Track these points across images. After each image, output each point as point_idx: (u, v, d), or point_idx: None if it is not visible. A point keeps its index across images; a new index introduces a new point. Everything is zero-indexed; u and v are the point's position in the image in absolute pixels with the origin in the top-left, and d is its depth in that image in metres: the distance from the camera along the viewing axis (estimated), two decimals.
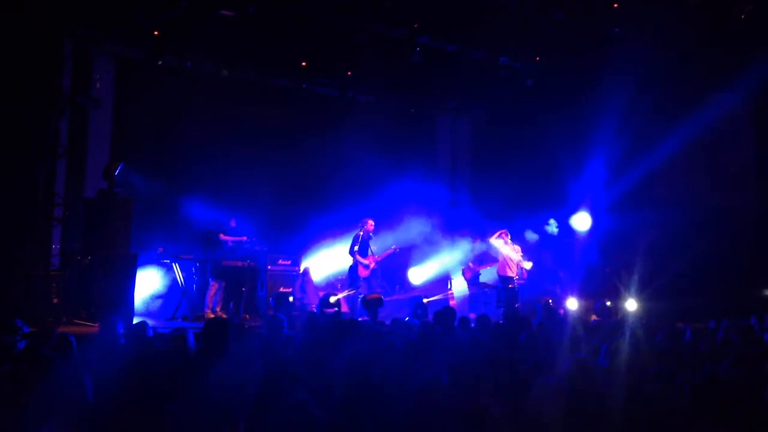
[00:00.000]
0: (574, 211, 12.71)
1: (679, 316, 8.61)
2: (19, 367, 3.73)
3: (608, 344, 3.95)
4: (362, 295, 10.96)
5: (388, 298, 11.33)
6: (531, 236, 12.46)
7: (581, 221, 12.64)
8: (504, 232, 11.72)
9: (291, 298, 10.65)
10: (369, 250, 11.37)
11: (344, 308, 10.72)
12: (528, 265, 11.59)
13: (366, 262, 11.27)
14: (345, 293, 11.02)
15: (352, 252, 11.26)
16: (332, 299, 10.38)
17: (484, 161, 14.98)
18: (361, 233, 11.25)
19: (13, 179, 9.09)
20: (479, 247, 12.32)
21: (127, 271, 9.30)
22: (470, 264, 12.12)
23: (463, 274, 12.23)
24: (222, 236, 10.65)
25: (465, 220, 13.34)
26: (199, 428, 2.64)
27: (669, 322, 6.08)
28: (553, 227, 12.12)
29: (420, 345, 4.86)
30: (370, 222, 11.37)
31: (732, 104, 11.10)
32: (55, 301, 9.22)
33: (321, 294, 11.11)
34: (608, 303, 10.54)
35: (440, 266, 12.86)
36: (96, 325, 8.56)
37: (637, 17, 10.48)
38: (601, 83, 11.19)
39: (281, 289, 11.31)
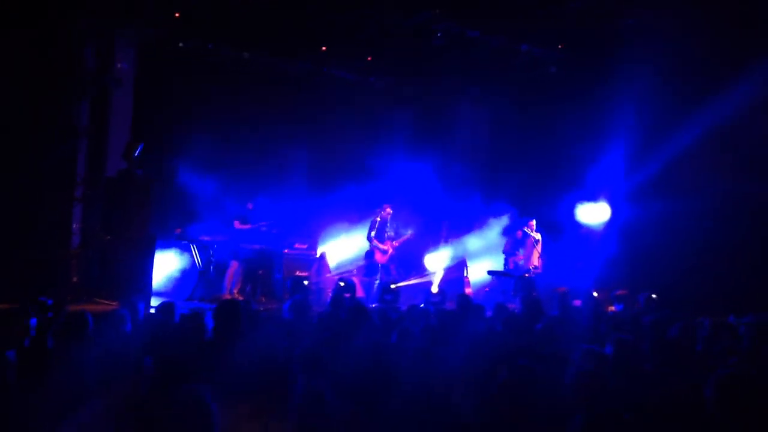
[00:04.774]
0: (593, 199, 12.60)
1: (698, 309, 8.51)
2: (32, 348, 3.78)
3: (617, 339, 3.92)
4: (378, 281, 10.99)
5: (403, 284, 11.34)
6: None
7: (600, 211, 12.53)
8: (531, 222, 11.74)
9: (306, 282, 10.67)
10: (386, 235, 11.36)
11: (360, 293, 10.75)
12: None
13: (384, 247, 11.27)
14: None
15: (369, 237, 11.27)
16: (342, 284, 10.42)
17: (503, 148, 14.87)
18: (379, 219, 11.25)
19: (35, 158, 9.18)
20: (513, 236, 12.20)
21: (146, 252, 9.37)
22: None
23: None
24: (237, 224, 10.63)
25: (482, 208, 13.28)
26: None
27: (687, 315, 6.00)
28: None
29: (436, 332, 4.85)
30: (388, 208, 11.36)
31: (755, 92, 10.89)
32: (75, 279, 9.34)
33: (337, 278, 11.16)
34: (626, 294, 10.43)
35: (456, 252, 12.81)
36: (115, 304, 8.65)
37: (659, 4, 10.33)
38: (622, 71, 11.04)
39: (297, 273, 11.35)
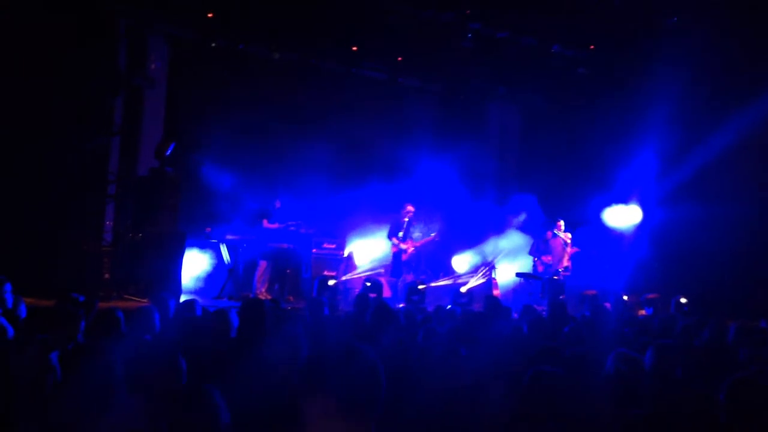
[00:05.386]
0: (623, 202, 12.45)
1: (731, 314, 8.36)
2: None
3: (658, 344, 3.86)
4: (404, 281, 10.98)
5: (431, 285, 11.31)
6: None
7: (631, 213, 12.38)
8: (558, 223, 11.66)
9: (333, 282, 10.71)
10: (408, 235, 11.35)
11: (387, 293, 10.75)
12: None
13: (404, 246, 11.24)
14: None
15: (390, 236, 11.27)
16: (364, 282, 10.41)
17: (532, 149, 14.75)
18: (406, 219, 11.25)
19: (69, 156, 9.35)
20: (539, 237, 12.09)
21: (176, 249, 9.49)
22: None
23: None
24: (265, 223, 10.70)
25: (510, 208, 13.19)
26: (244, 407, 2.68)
27: (719, 320, 5.89)
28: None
29: (462, 333, 4.83)
30: (409, 206, 11.34)
31: None
32: (107, 276, 9.50)
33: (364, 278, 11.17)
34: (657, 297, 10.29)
35: (484, 254, 12.72)
36: (145, 300, 8.77)
37: (696, 5, 10.16)
38: (656, 72, 10.89)
39: (325, 273, 11.39)
